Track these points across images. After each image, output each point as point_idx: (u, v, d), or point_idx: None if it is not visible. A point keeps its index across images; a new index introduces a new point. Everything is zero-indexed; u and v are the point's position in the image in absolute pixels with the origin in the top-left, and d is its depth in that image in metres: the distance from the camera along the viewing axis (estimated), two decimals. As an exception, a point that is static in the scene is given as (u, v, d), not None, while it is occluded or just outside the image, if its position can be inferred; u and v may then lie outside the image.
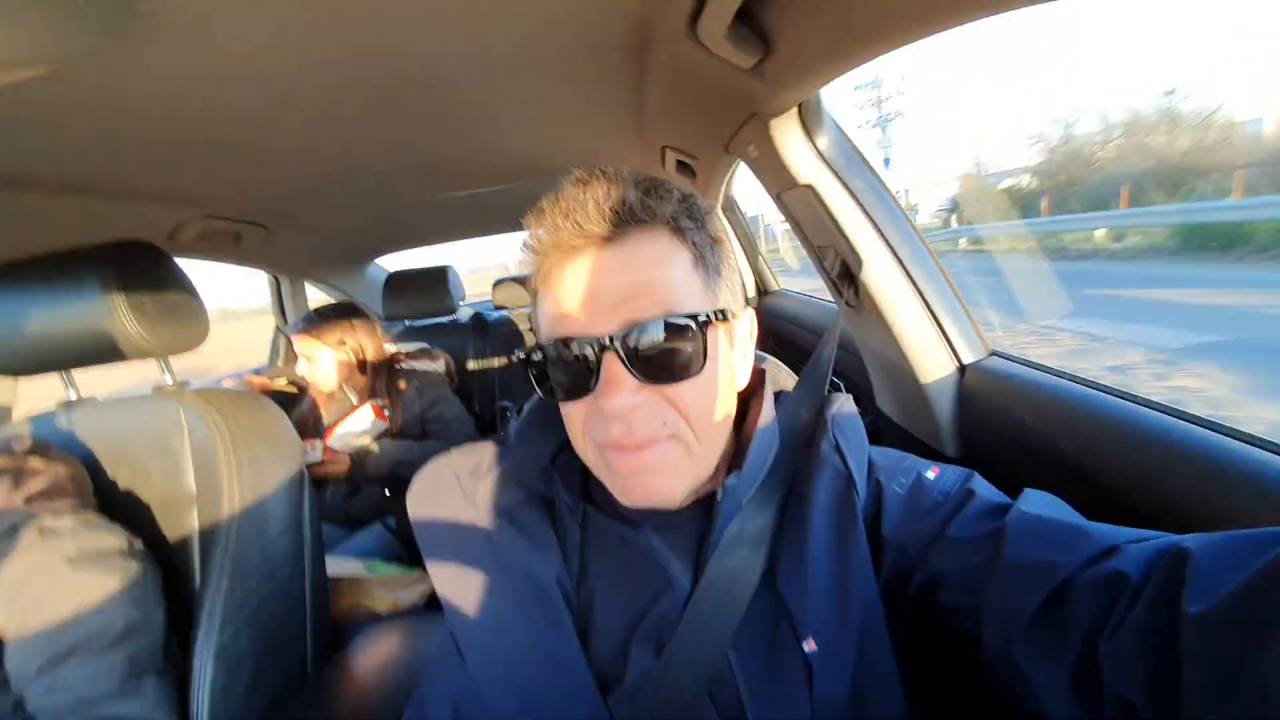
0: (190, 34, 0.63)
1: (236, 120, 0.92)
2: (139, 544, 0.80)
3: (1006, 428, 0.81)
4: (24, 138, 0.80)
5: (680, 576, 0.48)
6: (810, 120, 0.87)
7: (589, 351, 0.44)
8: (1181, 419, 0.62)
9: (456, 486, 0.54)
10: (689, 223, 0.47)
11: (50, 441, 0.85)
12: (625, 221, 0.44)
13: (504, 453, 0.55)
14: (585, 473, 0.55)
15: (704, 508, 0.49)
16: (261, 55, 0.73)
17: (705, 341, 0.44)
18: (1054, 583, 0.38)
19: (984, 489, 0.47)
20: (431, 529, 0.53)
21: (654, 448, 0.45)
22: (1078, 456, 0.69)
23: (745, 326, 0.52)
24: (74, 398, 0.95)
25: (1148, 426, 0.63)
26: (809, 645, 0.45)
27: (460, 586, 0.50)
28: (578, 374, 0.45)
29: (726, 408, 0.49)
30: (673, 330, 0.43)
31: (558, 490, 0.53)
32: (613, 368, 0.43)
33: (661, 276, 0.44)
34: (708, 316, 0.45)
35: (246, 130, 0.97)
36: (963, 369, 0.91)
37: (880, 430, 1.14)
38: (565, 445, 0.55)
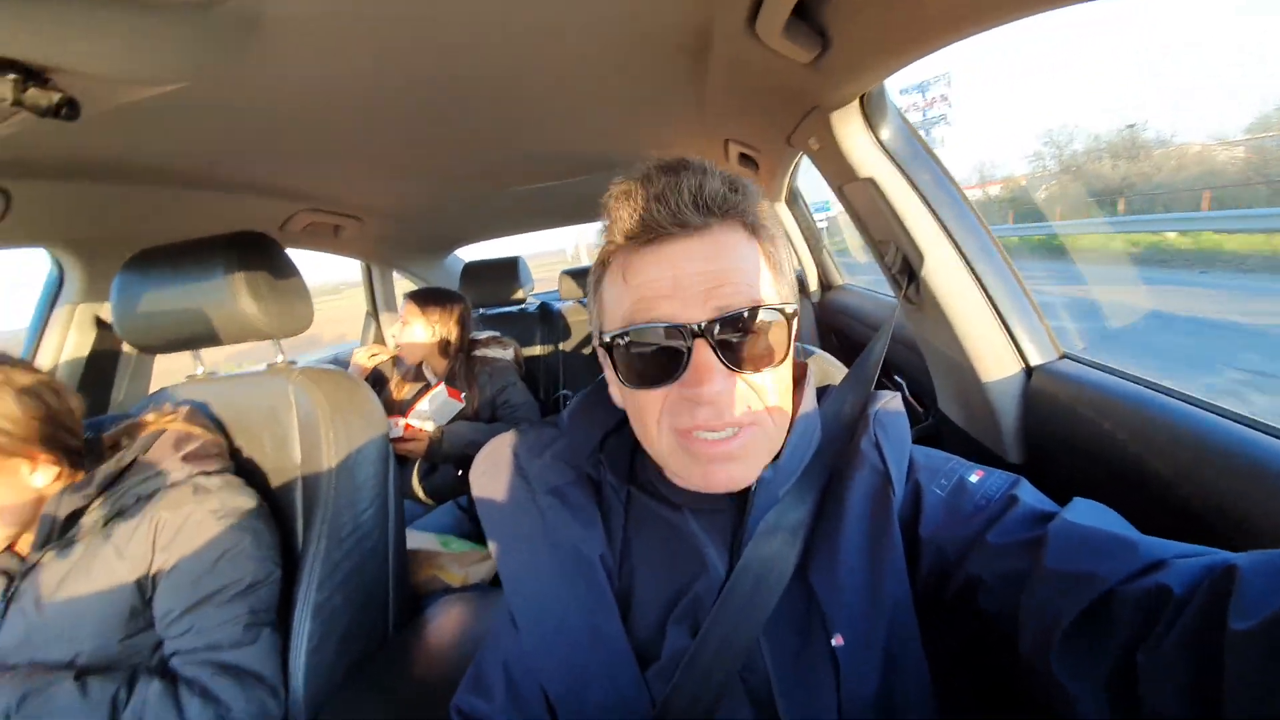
0: (300, 53, 0.73)
1: (339, 125, 1.03)
2: (266, 506, 0.90)
3: (1076, 434, 0.76)
4: (159, 138, 0.93)
5: (716, 562, 0.50)
6: (873, 112, 0.85)
7: (678, 338, 0.44)
8: (1270, 434, 0.57)
9: (513, 465, 0.58)
10: (761, 221, 0.48)
11: (198, 409, 0.98)
12: (712, 212, 0.45)
13: (557, 435, 0.59)
14: (632, 456, 0.58)
15: (744, 496, 0.51)
16: (360, 70, 0.82)
17: (787, 332, 0.46)
18: (1095, 593, 0.37)
19: (1029, 495, 0.46)
20: (491, 503, 0.57)
21: (740, 435, 0.45)
22: (1153, 468, 0.65)
23: (797, 323, 0.53)
24: (201, 372, 1.08)
25: (1231, 440, 0.58)
26: (837, 640, 0.45)
27: (514, 558, 0.55)
28: (664, 360, 0.45)
29: (790, 398, 0.50)
30: (761, 320, 0.44)
31: (604, 472, 0.56)
32: (705, 354, 0.43)
33: (746, 267, 0.45)
34: (788, 308, 0.46)
35: (347, 134, 1.09)
36: (1029, 371, 0.86)
37: (942, 433, 1.10)
38: (614, 430, 0.59)
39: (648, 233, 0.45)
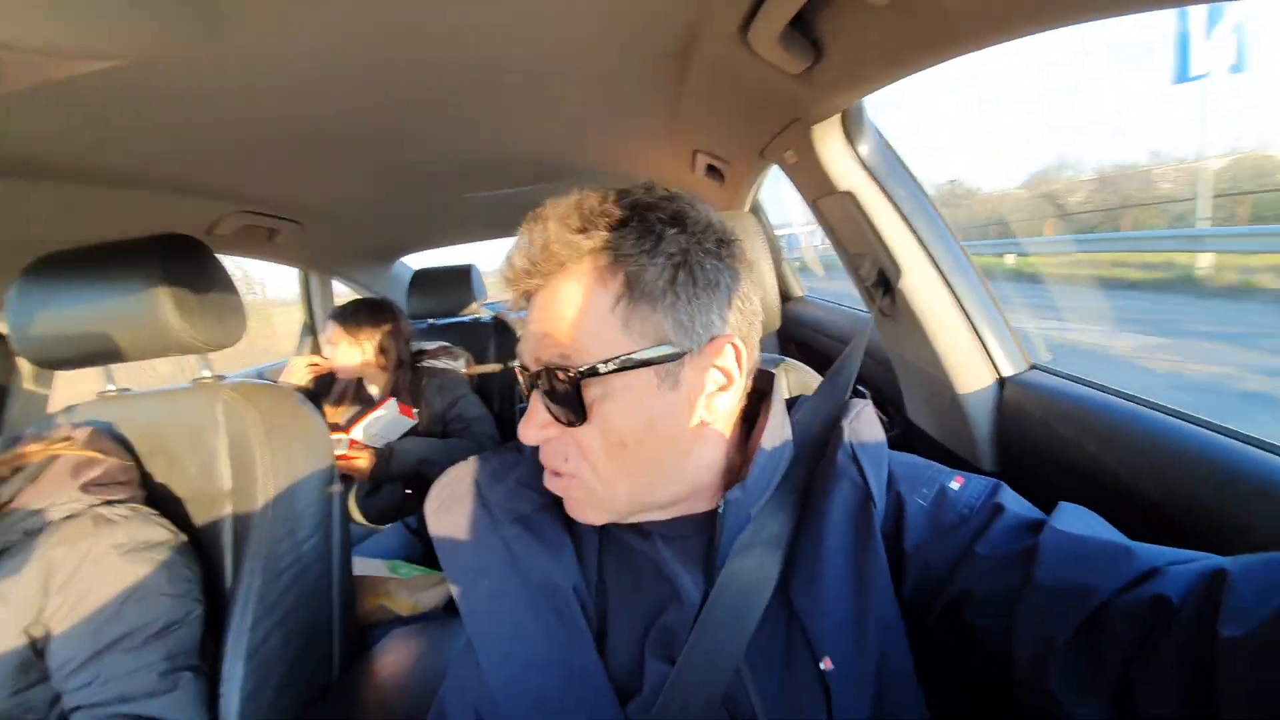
0: (240, 35, 0.65)
1: (277, 119, 0.93)
2: (183, 539, 0.80)
3: (1047, 442, 0.79)
4: (73, 130, 0.81)
5: (690, 588, 0.47)
6: (853, 127, 0.86)
7: (525, 383, 0.48)
8: (1239, 439, 0.60)
9: (473, 494, 0.53)
10: (627, 252, 0.43)
11: (103, 432, 0.85)
12: (548, 268, 0.45)
13: (520, 459, 0.55)
14: None
15: (712, 519, 0.48)
16: (305, 58, 0.74)
17: (580, 395, 0.44)
18: (1090, 607, 0.36)
19: (1012, 502, 0.45)
20: (449, 538, 0.52)
21: (560, 479, 0.48)
22: (1123, 474, 0.67)
23: (719, 356, 0.46)
24: (113, 389, 0.96)
25: (1201, 445, 0.61)
26: (825, 664, 0.43)
27: (476, 594, 0.49)
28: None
29: (648, 451, 0.46)
30: (551, 382, 0.45)
31: None
32: (534, 401, 0.47)
33: (562, 326, 0.44)
34: (591, 369, 0.43)
35: (286, 128, 0.99)
36: (1002, 382, 0.89)
37: (912, 441, 1.13)
38: None
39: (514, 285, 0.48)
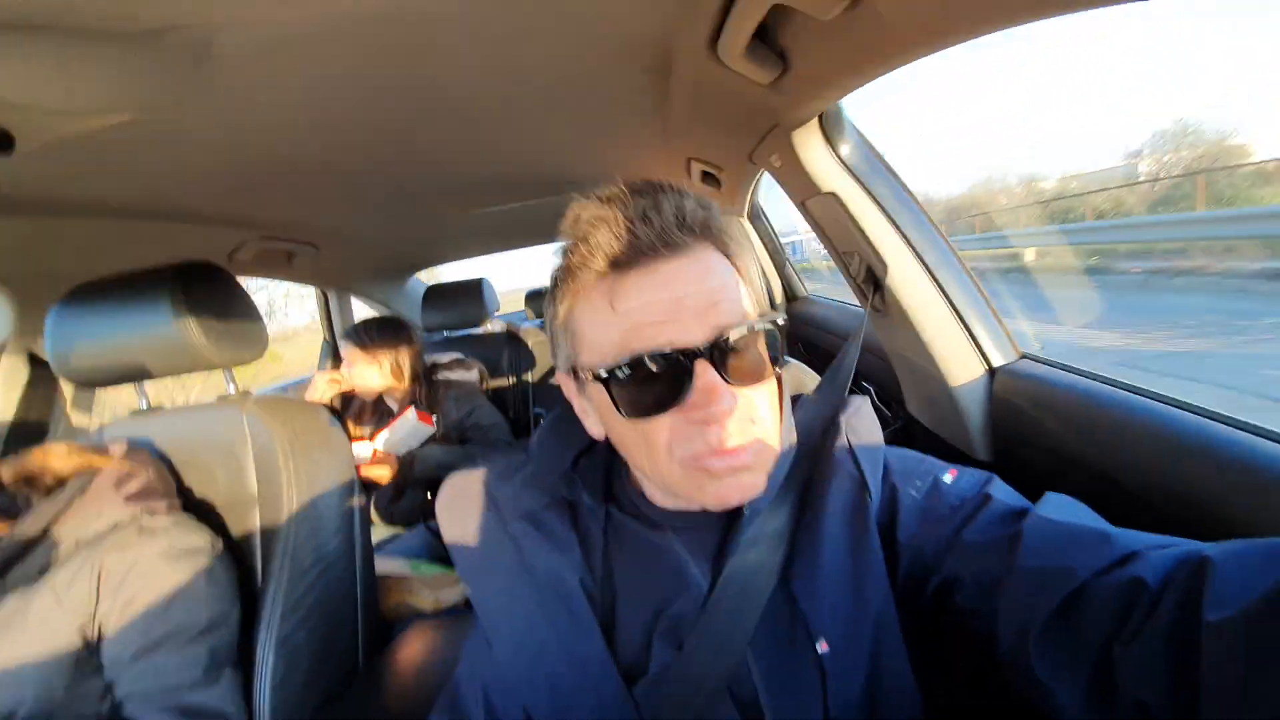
0: (247, 78, 0.70)
1: (289, 150, 1.00)
2: (220, 544, 0.85)
3: (1038, 431, 0.80)
4: (102, 169, 0.89)
5: (698, 578, 0.50)
6: (831, 129, 0.89)
7: (680, 361, 0.42)
8: (1224, 423, 0.60)
9: (482, 494, 0.56)
10: (728, 236, 0.48)
11: (140, 446, 0.92)
12: (694, 233, 0.44)
13: (526, 460, 0.58)
14: (608, 475, 0.57)
15: (722, 513, 0.51)
16: (309, 94, 0.80)
17: (778, 345, 0.47)
18: (1069, 588, 0.38)
19: (1002, 493, 0.47)
20: (460, 536, 0.55)
21: (750, 447, 0.45)
22: (1109, 461, 0.68)
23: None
24: (146, 406, 1.03)
25: (1185, 430, 0.62)
26: (822, 646, 0.45)
27: (488, 591, 0.53)
28: (667, 386, 0.43)
29: (780, 409, 0.51)
30: (754, 336, 0.44)
31: (580, 493, 0.55)
32: (709, 375, 0.42)
33: (730, 285, 0.45)
34: (770, 322, 0.47)
35: (298, 159, 1.06)
36: (992, 372, 0.90)
37: (912, 434, 1.13)
38: (586, 450, 0.58)
39: (635, 255, 0.43)
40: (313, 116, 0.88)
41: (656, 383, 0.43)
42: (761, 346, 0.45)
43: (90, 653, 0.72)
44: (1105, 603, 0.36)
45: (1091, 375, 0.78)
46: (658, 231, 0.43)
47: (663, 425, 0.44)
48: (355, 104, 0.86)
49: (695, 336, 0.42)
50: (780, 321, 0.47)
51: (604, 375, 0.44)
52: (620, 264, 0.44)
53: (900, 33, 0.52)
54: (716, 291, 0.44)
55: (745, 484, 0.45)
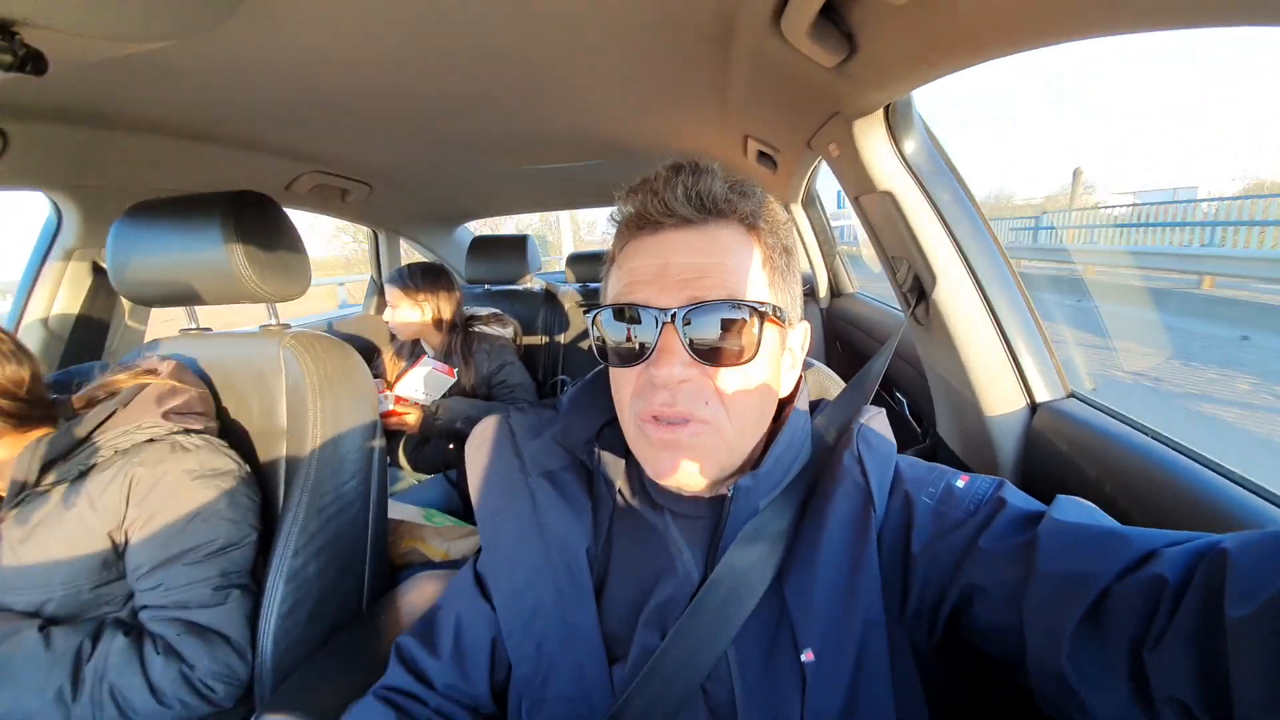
0: (306, 16, 0.70)
1: (350, 88, 1.00)
2: (246, 470, 0.90)
3: (1070, 476, 0.74)
4: (156, 89, 0.90)
5: (690, 567, 0.49)
6: (897, 124, 0.82)
7: (650, 321, 0.45)
8: (1272, 502, 0.54)
9: (510, 443, 0.58)
10: (765, 224, 0.49)
11: (186, 365, 0.97)
12: (708, 210, 0.46)
13: (555, 417, 0.59)
14: (628, 449, 0.56)
15: (723, 503, 0.50)
16: (373, 32, 0.79)
17: (760, 332, 0.46)
18: (1093, 593, 0.36)
19: (1015, 497, 0.45)
20: (483, 477, 0.58)
21: (689, 426, 0.45)
22: (1139, 522, 0.63)
23: (798, 337, 0.53)
24: (193, 328, 1.07)
25: (1228, 504, 0.56)
26: (806, 655, 0.45)
27: (499, 534, 0.55)
28: (638, 341, 0.47)
29: (766, 406, 0.50)
30: (731, 314, 0.45)
31: (598, 463, 0.56)
32: (669, 339, 0.45)
33: (732, 263, 0.46)
34: (768, 310, 0.46)
35: (358, 97, 1.06)
36: (1034, 407, 0.84)
37: (937, 456, 1.08)
38: (612, 420, 0.57)
39: (641, 221, 0.48)
40: (370, 57, 0.87)
41: (630, 336, 0.47)
42: (751, 331, 0.45)
43: (117, 557, 0.78)
44: (1130, 605, 0.35)
45: (1142, 428, 0.71)
46: (663, 202, 0.46)
47: (630, 377, 0.48)
48: (418, 48, 0.85)
49: (669, 301, 0.45)
50: (768, 311, 0.46)
51: (595, 315, 0.50)
52: (636, 226, 0.49)
53: (976, 27, 0.46)
54: (711, 266, 0.45)
55: (681, 470, 0.46)
